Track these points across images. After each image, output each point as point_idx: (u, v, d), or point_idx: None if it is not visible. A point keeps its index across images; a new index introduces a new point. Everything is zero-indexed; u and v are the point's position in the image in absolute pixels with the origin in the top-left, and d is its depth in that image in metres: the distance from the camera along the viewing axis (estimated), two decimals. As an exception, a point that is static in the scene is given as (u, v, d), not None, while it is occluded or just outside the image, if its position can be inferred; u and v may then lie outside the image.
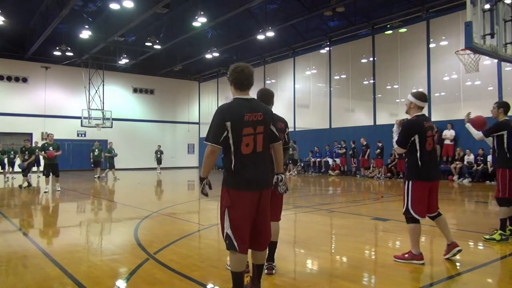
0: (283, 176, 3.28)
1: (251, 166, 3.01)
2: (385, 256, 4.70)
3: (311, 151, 20.95)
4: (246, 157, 3.00)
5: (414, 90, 4.60)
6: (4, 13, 17.44)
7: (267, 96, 3.85)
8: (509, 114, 5.36)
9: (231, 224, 2.99)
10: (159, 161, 23.49)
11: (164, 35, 21.46)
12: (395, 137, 4.34)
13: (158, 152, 23.59)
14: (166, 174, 22.59)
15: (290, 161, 20.36)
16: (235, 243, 2.96)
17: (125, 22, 18.20)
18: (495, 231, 5.13)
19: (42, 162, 17.31)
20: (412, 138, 4.17)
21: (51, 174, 12.25)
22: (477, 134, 5.28)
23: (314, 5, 17.99)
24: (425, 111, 4.43)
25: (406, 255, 4.19)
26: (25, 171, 13.67)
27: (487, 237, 5.14)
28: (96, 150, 18.46)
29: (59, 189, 12.31)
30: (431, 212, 4.34)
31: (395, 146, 4.33)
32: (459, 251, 4.24)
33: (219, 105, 3.24)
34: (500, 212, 5.22)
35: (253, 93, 3.30)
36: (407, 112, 4.40)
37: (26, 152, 13.55)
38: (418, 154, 4.17)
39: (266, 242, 3.17)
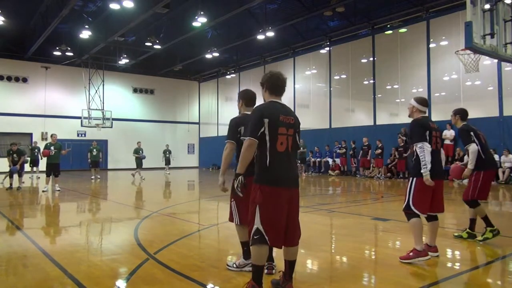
0: None
1: (284, 164, 3.20)
2: (385, 256, 4.70)
3: (311, 151, 20.96)
4: (280, 155, 3.18)
5: (417, 96, 4.67)
6: (4, 13, 17.45)
7: (250, 96, 4.12)
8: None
9: (263, 220, 3.10)
10: (167, 161, 22.56)
11: (164, 35, 21.46)
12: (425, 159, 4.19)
13: (167, 152, 22.73)
14: (149, 173, 22.58)
15: (299, 161, 20.40)
16: (266, 237, 3.08)
17: (125, 22, 18.20)
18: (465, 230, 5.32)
19: (39, 162, 17.42)
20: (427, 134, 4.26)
21: (52, 173, 12.28)
22: (472, 149, 5.07)
23: (314, 5, 17.99)
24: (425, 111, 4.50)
25: (411, 254, 4.19)
26: (20, 172, 13.51)
27: (456, 234, 5.36)
28: (94, 150, 17.92)
29: (58, 189, 12.32)
30: (435, 211, 4.37)
31: (419, 144, 4.19)
32: (437, 256, 4.39)
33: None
34: (470, 211, 5.32)
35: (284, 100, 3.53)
36: (410, 116, 4.56)
37: (14, 155, 13.23)
38: None
39: (297, 238, 3.31)
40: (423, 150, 4.15)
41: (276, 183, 3.16)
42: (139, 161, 18.30)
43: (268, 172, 3.17)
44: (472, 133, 5.15)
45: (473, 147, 5.03)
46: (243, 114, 4.05)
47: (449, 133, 15.25)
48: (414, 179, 4.25)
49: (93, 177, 17.42)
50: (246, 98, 4.12)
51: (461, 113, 5.32)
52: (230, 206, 3.98)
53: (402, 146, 16.30)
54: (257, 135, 3.15)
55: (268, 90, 3.40)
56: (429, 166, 4.10)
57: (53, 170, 12.34)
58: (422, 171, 4.13)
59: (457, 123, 5.33)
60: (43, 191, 12.06)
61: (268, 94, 3.41)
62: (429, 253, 4.31)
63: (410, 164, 4.42)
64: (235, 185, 3.26)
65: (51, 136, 12.84)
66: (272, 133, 3.17)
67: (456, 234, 5.39)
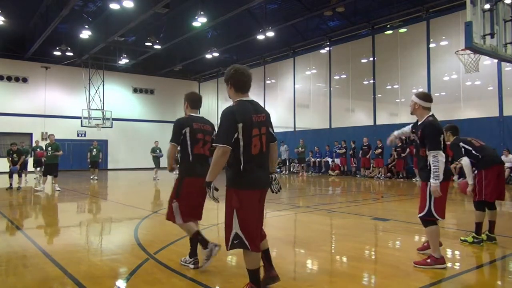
0: (276, 175, 3.40)
1: (258, 166, 3.11)
2: (385, 256, 4.70)
3: (311, 151, 20.95)
4: (254, 158, 3.08)
5: (419, 90, 4.53)
6: (4, 13, 17.44)
7: (195, 99, 4.18)
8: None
9: (242, 225, 3.04)
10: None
11: (164, 35, 21.46)
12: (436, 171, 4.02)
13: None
14: (166, 174, 22.55)
15: (298, 161, 20.39)
16: (246, 242, 3.03)
17: (125, 22, 18.19)
18: (471, 233, 5.12)
19: (42, 162, 17.37)
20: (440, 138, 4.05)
21: (48, 174, 12.23)
22: (464, 163, 5.00)
23: (314, 5, 17.99)
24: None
25: (428, 260, 4.02)
26: (19, 172, 13.49)
27: (462, 238, 5.19)
28: (94, 150, 17.61)
29: (59, 189, 12.32)
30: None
31: (434, 153, 3.96)
32: None
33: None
34: (475, 215, 5.13)
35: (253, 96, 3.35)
36: (412, 113, 4.28)
37: (14, 155, 13.20)
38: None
39: (263, 230, 3.35)
40: (437, 161, 3.92)
41: (252, 187, 3.09)
42: (156, 160, 18.29)
43: (243, 178, 3.07)
44: (461, 143, 5.09)
45: (464, 161, 4.91)
46: (188, 115, 4.13)
47: (449, 133, 15.26)
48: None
49: (92, 177, 17.30)
50: (191, 100, 4.16)
51: (452, 129, 5.24)
52: (171, 206, 4.04)
53: (400, 146, 16.31)
54: (230, 142, 3.00)
55: (233, 87, 3.17)
56: (441, 177, 3.92)
57: (50, 170, 12.31)
58: (432, 180, 3.92)
59: (449, 139, 5.21)
60: (36, 190, 11.99)
61: (233, 91, 3.19)
62: (428, 250, 4.29)
63: (423, 168, 4.15)
64: (210, 195, 3.15)
65: (49, 136, 12.83)
66: (246, 137, 3.03)
67: (462, 238, 5.20)
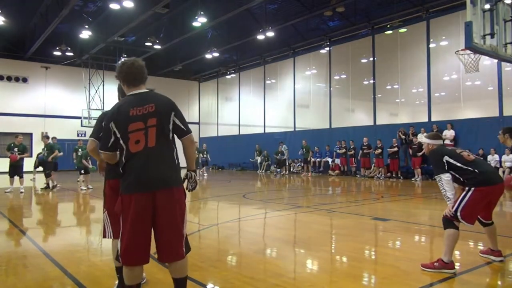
0: (192, 173, 2.99)
1: (139, 165, 2.67)
2: (385, 256, 4.70)
3: (311, 151, 20.95)
4: (134, 156, 2.69)
5: (428, 133, 4.58)
6: (4, 13, 17.44)
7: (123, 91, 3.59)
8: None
9: (122, 232, 2.67)
10: (204, 163, 20.45)
11: (164, 35, 21.46)
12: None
13: (204, 152, 20.59)
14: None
15: (303, 162, 20.46)
16: (120, 252, 2.67)
17: (125, 22, 18.20)
18: None
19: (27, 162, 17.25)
20: (444, 161, 4.05)
21: (15, 175, 12.06)
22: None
23: (314, 5, 17.99)
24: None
25: (436, 264, 3.92)
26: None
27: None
28: (80, 150, 14.32)
29: (57, 184, 12.29)
30: (489, 218, 4.35)
31: (437, 178, 4.05)
32: (501, 261, 4.24)
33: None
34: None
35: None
36: (426, 154, 4.43)
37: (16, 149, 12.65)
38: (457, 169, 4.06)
39: (174, 251, 2.74)
40: (442, 184, 4.01)
41: (128, 190, 2.66)
42: (204, 160, 19.21)
43: (123, 180, 2.73)
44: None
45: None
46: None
47: (449, 133, 15.26)
48: (472, 189, 3.94)
49: (79, 180, 14.38)
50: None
51: (510, 132, 5.08)
52: (104, 218, 3.38)
53: (395, 146, 16.31)
54: (107, 147, 2.77)
55: (124, 82, 2.91)
56: (450, 197, 3.95)
57: (15, 171, 12.03)
58: (448, 203, 3.98)
59: (506, 142, 5.12)
60: (5, 192, 11.89)
61: (126, 87, 2.91)
62: (492, 257, 4.22)
63: (456, 181, 4.13)
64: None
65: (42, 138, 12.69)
66: (123, 134, 2.70)
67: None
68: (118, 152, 2.83)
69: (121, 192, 2.72)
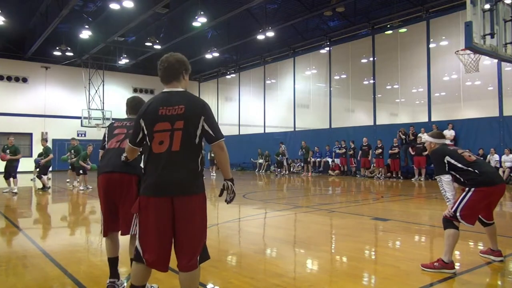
0: (229, 182, 2.74)
1: (159, 168, 2.58)
2: (385, 256, 4.70)
3: (312, 151, 20.95)
4: (156, 157, 2.61)
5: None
6: (4, 13, 17.45)
7: (130, 105, 3.69)
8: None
9: (139, 235, 2.66)
10: (280, 164, 20.79)
11: (164, 35, 21.48)
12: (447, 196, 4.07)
13: (280, 156, 20.57)
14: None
15: (303, 162, 20.47)
16: (142, 255, 2.63)
17: (125, 22, 18.21)
18: None
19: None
20: (445, 162, 4.05)
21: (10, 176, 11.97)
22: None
23: (314, 5, 18.00)
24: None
25: (436, 264, 3.91)
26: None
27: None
28: (73, 150, 13.49)
29: (15, 191, 12.02)
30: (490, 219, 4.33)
31: (438, 178, 4.09)
32: (501, 261, 4.24)
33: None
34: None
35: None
36: (429, 153, 4.43)
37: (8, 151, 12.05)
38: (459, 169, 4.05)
39: (188, 260, 2.60)
40: (442, 185, 4.03)
41: (146, 192, 2.62)
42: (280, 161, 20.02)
43: (143, 180, 2.69)
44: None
45: None
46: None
47: (449, 133, 15.26)
48: (472, 189, 3.94)
49: (68, 180, 14.55)
50: (128, 106, 3.74)
51: None
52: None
53: (396, 146, 16.31)
54: (136, 142, 2.75)
55: (160, 78, 2.80)
56: (450, 198, 3.97)
57: (9, 172, 11.95)
58: (447, 203, 4.00)
59: None
60: (3, 192, 11.85)
61: (162, 83, 2.82)
62: (492, 257, 4.22)
63: (457, 181, 4.14)
64: None
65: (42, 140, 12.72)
66: (149, 133, 2.64)
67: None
68: (141, 149, 2.89)
69: (140, 193, 2.69)
